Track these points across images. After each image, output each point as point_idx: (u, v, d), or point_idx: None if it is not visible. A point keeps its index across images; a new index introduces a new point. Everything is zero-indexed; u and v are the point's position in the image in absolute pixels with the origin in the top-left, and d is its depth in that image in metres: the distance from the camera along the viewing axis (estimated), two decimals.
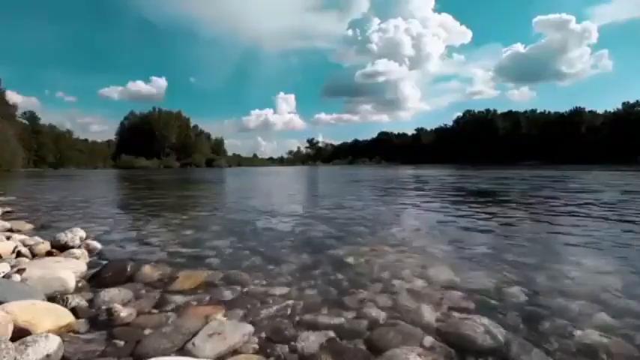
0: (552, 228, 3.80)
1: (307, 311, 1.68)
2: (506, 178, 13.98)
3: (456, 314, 1.62)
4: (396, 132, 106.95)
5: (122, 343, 1.38)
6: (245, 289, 1.96)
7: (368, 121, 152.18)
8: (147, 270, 2.18)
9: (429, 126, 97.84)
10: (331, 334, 1.45)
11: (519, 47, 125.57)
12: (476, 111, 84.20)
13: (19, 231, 3.44)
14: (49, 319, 1.42)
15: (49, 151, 62.69)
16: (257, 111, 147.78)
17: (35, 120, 63.95)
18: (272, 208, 5.98)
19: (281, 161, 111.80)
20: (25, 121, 60.82)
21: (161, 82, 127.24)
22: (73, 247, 2.67)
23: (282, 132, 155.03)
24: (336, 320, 1.58)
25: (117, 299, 1.76)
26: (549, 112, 74.80)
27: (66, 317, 1.50)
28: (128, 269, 2.16)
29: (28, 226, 3.83)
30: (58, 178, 19.80)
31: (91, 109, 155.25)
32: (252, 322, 1.53)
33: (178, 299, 1.80)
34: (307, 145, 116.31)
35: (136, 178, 19.68)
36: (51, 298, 1.70)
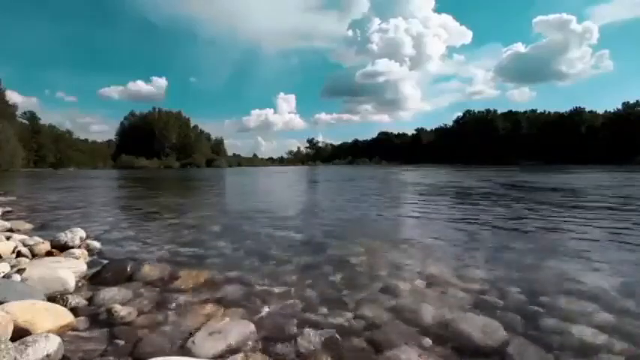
0: (551, 227, 3.80)
1: (307, 310, 1.68)
2: (505, 178, 13.97)
3: (455, 314, 1.62)
4: (396, 132, 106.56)
5: (122, 342, 1.38)
6: (245, 289, 1.96)
7: (368, 121, 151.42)
8: (147, 269, 2.18)
9: (429, 126, 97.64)
10: (331, 333, 1.45)
11: (519, 47, 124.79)
12: (476, 111, 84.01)
13: (19, 231, 3.44)
14: (49, 318, 1.42)
15: (49, 151, 62.62)
16: (257, 111, 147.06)
17: (35, 120, 63.82)
18: (271, 207, 5.98)
19: (281, 161, 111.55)
20: (25, 121, 60.72)
21: (161, 82, 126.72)
22: (72, 247, 2.67)
23: (282, 132, 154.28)
24: (337, 320, 1.58)
25: (117, 299, 1.77)
26: (549, 112, 74.73)
27: (66, 317, 1.50)
28: (128, 269, 2.16)
29: (28, 226, 3.83)
30: (57, 178, 19.79)
31: (91, 109, 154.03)
32: (252, 321, 1.53)
33: (178, 298, 1.80)
34: (307, 145, 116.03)
35: (136, 178, 19.67)
36: (51, 298, 1.70)
